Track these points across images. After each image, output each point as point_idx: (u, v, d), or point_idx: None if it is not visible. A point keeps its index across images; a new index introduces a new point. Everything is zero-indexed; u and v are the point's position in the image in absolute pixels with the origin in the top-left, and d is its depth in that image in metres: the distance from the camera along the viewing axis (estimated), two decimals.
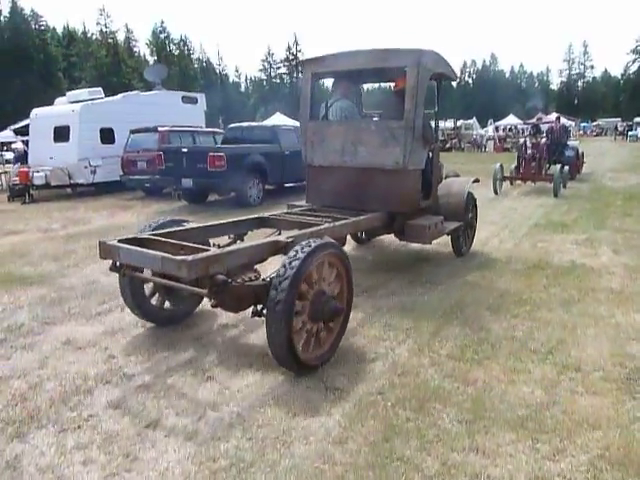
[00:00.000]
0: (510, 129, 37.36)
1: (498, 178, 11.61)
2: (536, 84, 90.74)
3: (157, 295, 4.00)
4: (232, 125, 12.64)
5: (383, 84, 6.52)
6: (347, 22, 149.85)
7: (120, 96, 14.30)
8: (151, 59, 70.07)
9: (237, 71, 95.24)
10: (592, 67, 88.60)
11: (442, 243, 6.16)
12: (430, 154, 5.39)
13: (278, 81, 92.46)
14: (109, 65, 62.18)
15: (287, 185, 11.56)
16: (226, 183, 9.65)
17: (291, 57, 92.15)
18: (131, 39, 72.65)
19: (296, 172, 11.25)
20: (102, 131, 13.27)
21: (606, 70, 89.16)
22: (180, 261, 2.98)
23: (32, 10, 56.24)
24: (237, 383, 3.15)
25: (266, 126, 11.54)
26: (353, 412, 2.79)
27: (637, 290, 4.68)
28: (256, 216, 4.80)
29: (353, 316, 3.79)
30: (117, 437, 2.61)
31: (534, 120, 23.18)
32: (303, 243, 3.20)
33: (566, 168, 11.97)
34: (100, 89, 14.68)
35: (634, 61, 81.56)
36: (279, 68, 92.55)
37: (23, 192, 12.55)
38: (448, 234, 5.66)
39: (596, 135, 51.81)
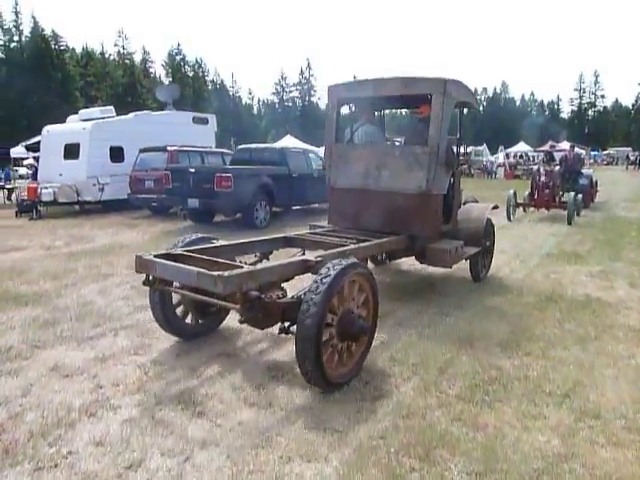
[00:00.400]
0: (521, 156, 37.27)
1: (512, 204, 11.58)
2: (546, 112, 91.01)
3: (184, 310, 4.07)
4: (241, 146, 12.64)
5: (405, 110, 6.67)
6: (360, 47, 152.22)
7: (131, 115, 14.40)
8: (166, 80, 71.27)
9: (250, 93, 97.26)
10: (603, 97, 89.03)
11: (449, 270, 5.96)
12: (452, 180, 5.48)
13: (290, 104, 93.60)
14: (125, 85, 63.28)
15: (295, 207, 11.43)
16: (232, 204, 9.55)
17: (304, 81, 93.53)
18: (147, 60, 74.13)
19: (304, 194, 11.22)
20: (112, 149, 13.30)
21: (617, 100, 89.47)
22: (216, 277, 3.06)
23: (53, 31, 57.55)
24: (230, 420, 2.94)
25: (275, 148, 11.49)
26: (353, 458, 2.57)
27: None
28: (282, 235, 4.98)
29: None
30: (95, 479, 2.41)
31: (547, 147, 23.08)
32: (334, 262, 3.29)
33: (580, 196, 11.97)
34: (112, 108, 14.80)
35: None
36: (291, 92, 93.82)
37: (31, 208, 12.55)
38: (466, 259, 5.68)
39: (607, 164, 51.60)
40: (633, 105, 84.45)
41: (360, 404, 3.11)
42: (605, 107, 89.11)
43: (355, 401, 3.15)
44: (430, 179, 4.91)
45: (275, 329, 3.47)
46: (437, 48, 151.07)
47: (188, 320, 4.13)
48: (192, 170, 9.73)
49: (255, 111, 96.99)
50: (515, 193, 11.96)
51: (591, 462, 2.53)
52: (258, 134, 79.97)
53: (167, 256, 3.68)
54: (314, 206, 12.54)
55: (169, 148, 11.70)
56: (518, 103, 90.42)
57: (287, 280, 3.69)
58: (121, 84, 63.01)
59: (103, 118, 13.94)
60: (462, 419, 2.93)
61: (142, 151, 12.34)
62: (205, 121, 15.87)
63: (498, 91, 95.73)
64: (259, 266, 3.63)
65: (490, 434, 2.78)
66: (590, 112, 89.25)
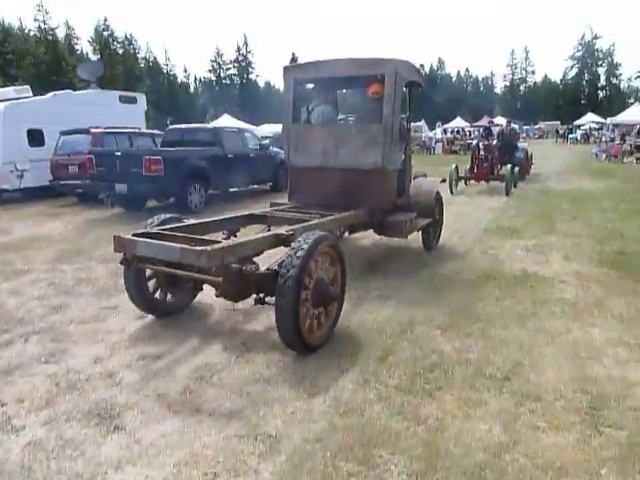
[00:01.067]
0: (458, 132, 38.09)
1: (454, 178, 12.14)
2: (481, 88, 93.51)
3: (156, 288, 4.16)
4: (172, 127, 11.96)
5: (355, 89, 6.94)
6: (298, 25, 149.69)
7: (49, 95, 13.24)
8: (94, 57, 67.17)
9: (185, 71, 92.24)
10: (533, 72, 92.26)
11: (392, 246, 5.83)
12: (403, 155, 5.80)
13: (228, 82, 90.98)
14: (49, 63, 59.03)
15: (232, 190, 10.99)
16: (164, 189, 9.02)
17: (241, 58, 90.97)
18: (72, 36, 69.48)
19: (241, 176, 10.79)
20: (30, 132, 12.21)
21: (546, 75, 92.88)
22: (200, 251, 3.25)
23: None
24: (151, 433, 2.65)
25: (208, 128, 10.93)
26: (286, 468, 2.35)
27: (590, 301, 4.48)
28: (247, 213, 5.18)
29: None
30: None
31: (482, 122, 23.76)
32: (306, 234, 3.52)
33: (516, 169, 12.65)
34: (28, 87, 13.61)
35: (572, 67, 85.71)
36: (229, 69, 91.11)
37: None
38: (419, 230, 6.04)
39: (538, 137, 53.72)
40: (561, 80, 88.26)
41: (295, 403, 2.89)
42: (535, 82, 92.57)
43: (290, 400, 2.93)
44: (385, 155, 5.17)
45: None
46: (374, 26, 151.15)
47: (162, 298, 4.22)
48: (118, 153, 9.06)
49: (192, 89, 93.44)
50: (457, 167, 12.53)
51: (533, 450, 2.44)
52: (196, 113, 77.16)
53: (144, 235, 3.79)
54: (253, 187, 12.15)
55: (92, 130, 10.86)
56: (454, 79, 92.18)
57: (258, 254, 3.87)
58: (44, 62, 58.71)
59: (18, 99, 12.77)
60: (402, 412, 2.78)
61: (63, 134, 11.41)
62: (133, 100, 14.92)
63: (435, 67, 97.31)
64: (238, 240, 3.85)
65: (431, 427, 2.65)
66: (522, 87, 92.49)
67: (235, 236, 4.61)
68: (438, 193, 6.52)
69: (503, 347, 3.58)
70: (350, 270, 4.09)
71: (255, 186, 12.14)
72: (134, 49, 78.01)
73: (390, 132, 5.16)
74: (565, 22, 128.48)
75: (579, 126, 47.93)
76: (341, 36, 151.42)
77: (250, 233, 4.49)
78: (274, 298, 3.35)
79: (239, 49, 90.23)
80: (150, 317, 4.23)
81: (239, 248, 3.58)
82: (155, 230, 3.94)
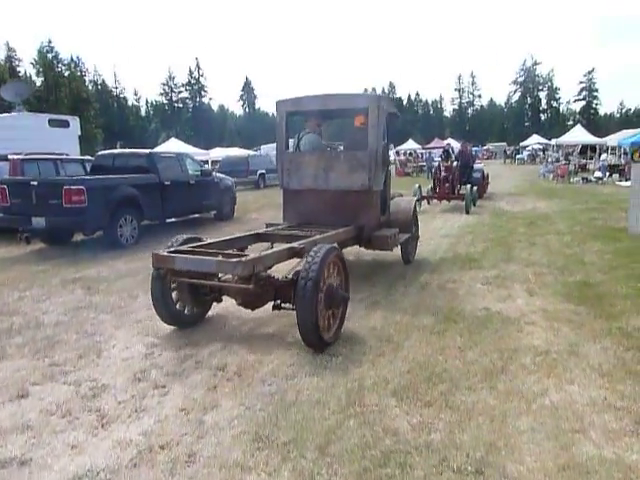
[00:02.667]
0: (410, 153, 38.42)
1: (417, 198, 12.17)
2: (431, 111, 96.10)
3: (179, 301, 4.52)
4: (101, 152, 10.96)
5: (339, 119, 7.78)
6: (248, 47, 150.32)
7: None
8: (38, 80, 64.59)
9: (136, 94, 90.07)
10: (480, 96, 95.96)
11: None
12: (384, 177, 6.32)
13: (181, 105, 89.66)
14: None
15: (170, 220, 10.07)
16: (88, 221, 8.03)
17: (193, 81, 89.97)
18: (13, 58, 66.69)
19: (180, 205, 9.94)
20: None
21: (492, 99, 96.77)
22: (236, 262, 3.81)
23: None
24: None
25: (141, 153, 9.95)
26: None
27: (564, 348, 3.91)
28: (253, 232, 5.64)
29: (223, 424, 2.59)
30: None
31: (435, 144, 24.25)
32: (317, 247, 4.03)
33: (475, 188, 13.43)
34: None
35: (515, 91, 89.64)
36: (181, 92, 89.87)
37: None
38: (400, 244, 6.56)
39: (487, 158, 55.14)
40: (506, 104, 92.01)
41: None
42: (482, 106, 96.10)
43: None
44: (371, 177, 5.77)
45: None
46: (326, 49, 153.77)
47: (182, 310, 4.56)
48: (34, 183, 8.03)
49: (143, 113, 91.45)
50: (420, 187, 13.32)
51: None
52: (147, 137, 75.31)
53: (176, 252, 4.25)
54: (194, 217, 11.25)
55: (11, 157, 9.75)
56: (405, 102, 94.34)
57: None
58: None
59: None
60: None
61: None
62: (65, 124, 13.81)
63: (386, 91, 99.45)
64: (263, 253, 4.31)
65: None
66: (469, 110, 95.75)
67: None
68: (414, 210, 7.19)
69: (471, 421, 2.91)
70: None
71: (196, 215, 11.24)
72: (80, 71, 75.75)
73: (375, 157, 5.77)
74: (508, 48, 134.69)
75: (525, 147, 49.58)
76: (294, 60, 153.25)
77: (256, 250, 4.75)
78: (289, 304, 4.03)
79: (191, 72, 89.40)
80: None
81: (265, 259, 4.14)
82: (185, 248, 4.39)
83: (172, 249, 4.33)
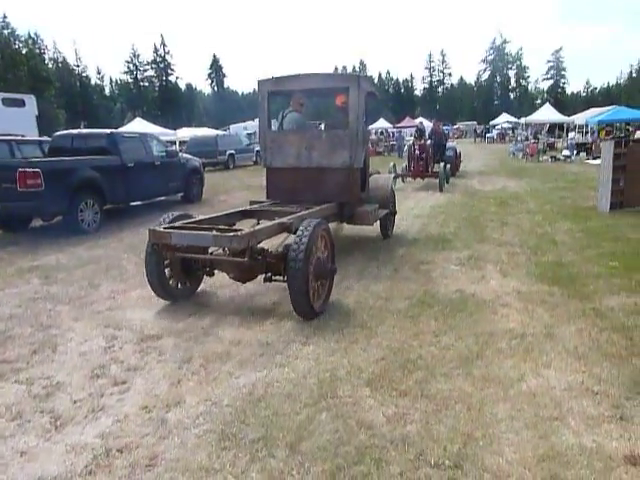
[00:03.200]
0: (382, 132, 38.22)
1: (393, 176, 12.71)
2: (402, 90, 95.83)
3: (171, 276, 4.67)
4: (59, 132, 10.38)
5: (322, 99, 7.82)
6: (213, 22, 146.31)
7: None
8: None
9: (99, 73, 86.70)
10: (450, 75, 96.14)
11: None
12: (364, 155, 6.46)
13: (147, 84, 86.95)
14: None
15: (134, 204, 9.67)
16: (46, 206, 7.61)
17: (159, 59, 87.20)
18: None
19: (144, 187, 9.54)
20: None
21: (462, 78, 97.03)
22: (232, 236, 3.98)
23: None
24: None
25: (102, 133, 9.39)
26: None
27: (539, 331, 3.85)
28: (240, 209, 5.74)
29: (187, 423, 2.40)
30: None
31: (416, 123, 24.40)
32: (306, 222, 4.23)
33: (448, 166, 13.75)
34: None
35: (485, 70, 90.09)
36: (146, 70, 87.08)
37: None
38: (380, 219, 6.89)
39: (458, 137, 55.47)
40: (475, 82, 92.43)
41: None
42: (452, 85, 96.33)
43: None
44: (352, 156, 5.92)
45: None
46: (295, 27, 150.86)
47: (175, 286, 4.74)
48: None
49: (108, 92, 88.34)
50: (394, 165, 13.60)
51: None
52: (112, 117, 72.72)
53: (170, 228, 4.36)
54: (160, 200, 10.85)
55: None
56: (376, 81, 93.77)
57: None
58: None
59: None
60: None
61: None
62: (20, 103, 13.09)
63: (357, 70, 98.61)
64: (256, 228, 4.50)
65: None
66: (440, 89, 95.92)
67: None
68: (392, 187, 7.47)
69: (448, 410, 2.81)
70: (263, 304, 3.15)
71: (162, 198, 10.85)
72: (39, 49, 72.43)
73: (355, 136, 5.91)
74: (478, 27, 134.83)
75: (494, 126, 49.97)
76: (264, 37, 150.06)
77: (243, 226, 4.69)
78: (279, 277, 4.26)
79: (156, 49, 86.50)
80: None
81: (257, 234, 4.26)
82: (179, 224, 4.51)
83: (166, 225, 4.46)
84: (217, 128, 36.86)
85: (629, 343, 3.57)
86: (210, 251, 4.67)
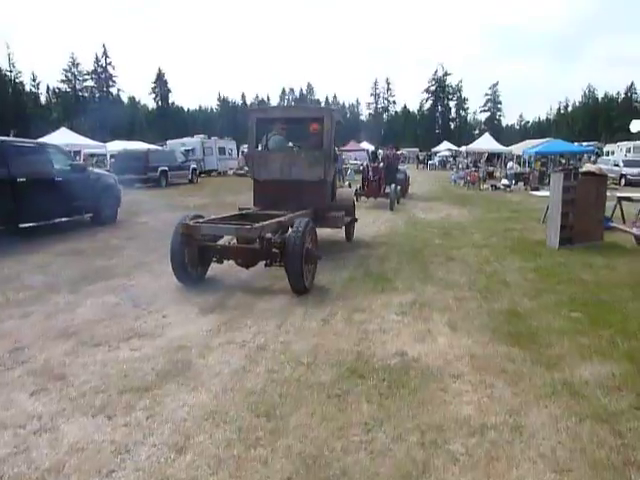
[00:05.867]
0: None
1: (354, 189, 13.78)
2: (348, 114, 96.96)
3: (190, 263, 5.65)
4: None
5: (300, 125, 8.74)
6: (159, 36, 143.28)
7: None
8: None
9: (34, 80, 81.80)
10: (394, 102, 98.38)
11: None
12: (333, 171, 7.96)
13: (86, 95, 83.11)
14: None
15: (25, 225, 8.13)
16: None
17: (100, 69, 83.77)
18: None
19: (40, 206, 8.07)
20: None
21: (405, 106, 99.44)
22: (250, 228, 5.32)
23: None
24: None
25: None
26: None
27: (502, 419, 2.90)
28: (238, 213, 6.81)
29: None
30: None
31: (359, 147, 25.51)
32: (299, 220, 5.58)
33: (399, 187, 14.78)
34: None
35: (427, 99, 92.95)
36: (86, 80, 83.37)
37: None
38: (345, 225, 8.15)
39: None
40: (418, 111, 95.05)
41: None
42: (396, 112, 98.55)
43: None
44: (325, 171, 7.24)
45: None
46: (244, 46, 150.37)
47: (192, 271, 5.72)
48: None
49: (43, 100, 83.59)
50: (350, 185, 15.35)
51: None
52: (47, 126, 68.18)
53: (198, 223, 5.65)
54: (60, 221, 9.29)
55: None
56: (323, 104, 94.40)
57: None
58: None
59: None
60: None
61: None
62: None
63: (304, 92, 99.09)
64: (266, 222, 5.69)
65: None
66: (384, 116, 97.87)
67: None
68: (354, 199, 9.32)
69: None
70: None
71: (64, 219, 9.33)
72: None
73: (328, 155, 7.30)
74: (421, 58, 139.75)
75: (436, 152, 50.96)
76: (212, 57, 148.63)
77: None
78: (276, 264, 5.44)
79: (97, 59, 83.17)
80: None
81: (266, 227, 5.53)
82: (201, 220, 5.77)
83: (193, 221, 5.59)
84: (154, 143, 35.04)
85: (619, 442, 2.68)
86: (221, 242, 5.97)
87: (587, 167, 9.94)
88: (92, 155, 30.05)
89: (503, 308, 4.96)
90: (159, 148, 26.89)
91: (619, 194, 10.22)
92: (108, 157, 25.48)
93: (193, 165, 25.09)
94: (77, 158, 25.51)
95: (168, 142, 32.01)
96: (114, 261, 7.05)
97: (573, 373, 3.50)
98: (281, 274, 5.47)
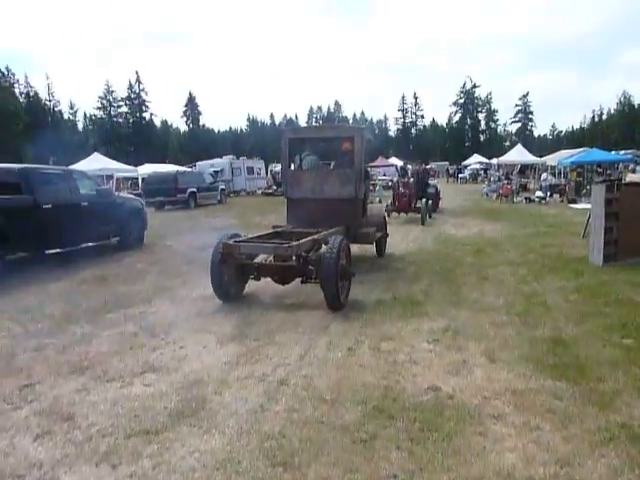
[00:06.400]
0: None
1: (385, 205, 13.97)
2: (376, 130, 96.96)
3: (228, 281, 5.82)
4: None
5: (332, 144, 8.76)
6: (190, 59, 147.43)
7: None
8: None
9: (72, 108, 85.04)
10: (422, 117, 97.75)
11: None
12: (365, 188, 8.01)
13: (120, 120, 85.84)
14: None
15: (51, 252, 8.14)
16: None
17: (133, 96, 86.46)
18: None
19: (65, 233, 8.08)
20: None
21: (434, 119, 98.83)
22: (288, 247, 5.47)
23: None
24: None
25: (9, 168, 7.91)
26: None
27: (553, 471, 2.53)
28: (272, 231, 6.99)
29: None
30: None
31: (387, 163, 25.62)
32: (333, 237, 5.66)
33: (430, 202, 14.90)
34: None
35: (456, 112, 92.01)
36: (120, 107, 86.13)
37: None
38: (375, 241, 8.26)
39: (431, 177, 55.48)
40: (447, 124, 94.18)
41: None
42: (425, 126, 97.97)
43: None
44: (357, 189, 7.37)
45: None
46: (273, 67, 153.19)
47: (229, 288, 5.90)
48: None
49: (81, 127, 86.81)
50: (380, 200, 15.71)
51: None
52: (85, 153, 70.44)
53: (237, 242, 5.80)
54: (87, 246, 9.31)
55: None
56: (351, 121, 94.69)
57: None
58: None
59: None
60: None
61: None
62: None
63: (332, 110, 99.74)
64: (301, 241, 5.75)
65: None
66: (413, 130, 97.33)
67: None
68: (385, 215, 9.53)
69: None
70: None
71: (91, 244, 9.35)
72: (8, 82, 70.85)
73: (360, 173, 7.38)
74: (449, 71, 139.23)
75: (466, 166, 50.10)
76: (241, 78, 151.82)
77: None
78: (311, 280, 5.59)
79: (131, 86, 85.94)
80: None
81: (302, 246, 5.64)
82: (240, 239, 5.93)
83: (231, 241, 5.72)
84: (182, 165, 35.63)
85: None
86: (258, 261, 6.14)
87: (631, 177, 9.35)
88: (126, 179, 30.75)
89: (545, 335, 4.54)
90: (188, 170, 27.23)
91: None
92: (140, 180, 25.91)
93: (222, 186, 25.27)
94: (110, 182, 26.22)
95: (197, 164, 32.49)
96: (137, 287, 6.93)
97: (632, 414, 3.09)
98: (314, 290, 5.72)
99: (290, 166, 7.88)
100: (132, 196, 11.05)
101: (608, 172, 26.54)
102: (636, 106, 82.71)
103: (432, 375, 3.75)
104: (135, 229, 10.30)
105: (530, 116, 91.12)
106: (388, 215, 14.17)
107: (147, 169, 27.71)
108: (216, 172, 28.49)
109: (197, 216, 18.10)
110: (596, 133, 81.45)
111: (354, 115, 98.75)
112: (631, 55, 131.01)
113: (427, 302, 5.77)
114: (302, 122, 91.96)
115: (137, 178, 28.04)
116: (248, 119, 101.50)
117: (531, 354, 4.09)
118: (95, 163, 23.92)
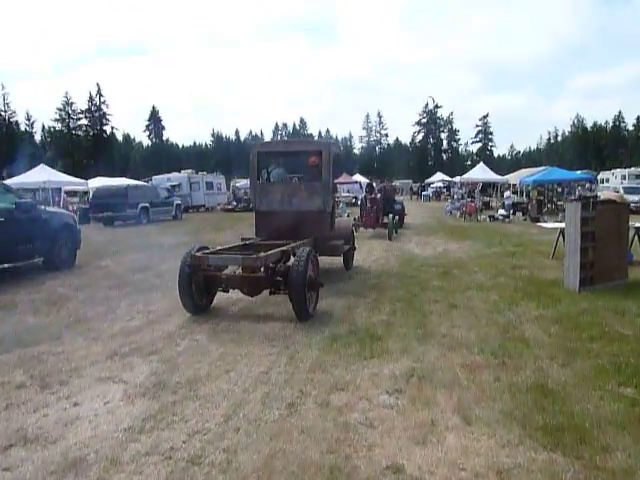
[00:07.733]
0: None
1: (352, 219, 14.26)
2: (342, 148, 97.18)
3: (197, 293, 5.81)
4: None
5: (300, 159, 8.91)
6: (153, 74, 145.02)
7: None
8: None
9: (29, 119, 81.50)
10: (387, 135, 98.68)
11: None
12: (332, 201, 8.24)
13: (80, 133, 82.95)
14: None
15: None
16: None
17: (94, 108, 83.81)
18: None
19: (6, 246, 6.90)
20: None
21: (397, 138, 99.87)
22: (256, 258, 5.53)
23: None
24: None
25: None
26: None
27: None
28: (241, 243, 6.98)
29: None
30: None
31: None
32: (302, 248, 5.74)
33: (396, 217, 15.16)
34: None
35: (419, 132, 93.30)
36: (80, 119, 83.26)
37: None
38: (343, 253, 8.43)
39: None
40: (410, 143, 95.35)
41: None
42: (389, 144, 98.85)
43: None
44: (325, 202, 7.60)
45: None
46: (235, 83, 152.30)
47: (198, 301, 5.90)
48: None
49: (38, 139, 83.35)
50: (348, 215, 15.81)
51: None
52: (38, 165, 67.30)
53: (205, 254, 5.82)
54: (3, 268, 8.09)
55: None
56: (316, 138, 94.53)
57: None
58: None
59: None
60: None
61: None
62: None
63: (297, 127, 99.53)
64: (270, 252, 5.76)
65: None
66: (377, 149, 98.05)
67: None
68: (352, 228, 9.56)
69: None
70: None
71: (6, 265, 8.14)
72: None
73: (328, 187, 7.59)
74: (412, 91, 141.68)
75: (430, 184, 50.30)
76: (205, 93, 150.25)
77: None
78: (281, 291, 5.57)
79: (92, 98, 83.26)
80: None
81: (271, 257, 5.63)
82: (207, 252, 5.92)
83: (199, 252, 5.79)
84: (144, 179, 34.12)
85: None
86: (225, 273, 5.96)
87: (605, 195, 8.87)
88: (75, 192, 29.10)
89: (529, 382, 3.75)
90: (140, 184, 25.83)
91: (634, 224, 9.13)
92: (90, 194, 24.39)
93: (177, 201, 24.02)
94: (57, 197, 24.57)
95: (154, 177, 31.11)
96: (49, 318, 5.84)
97: None
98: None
99: (259, 179, 7.89)
100: (63, 211, 9.89)
101: (570, 190, 26.80)
102: (589, 129, 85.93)
103: (393, 445, 2.88)
104: (64, 248, 9.11)
105: (490, 136, 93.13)
106: (356, 230, 13.89)
107: (98, 182, 26.17)
108: (173, 187, 27.24)
109: (147, 233, 16.87)
110: (552, 153, 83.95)
111: (319, 132, 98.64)
112: (583, 79, 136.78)
113: (388, 336, 4.94)
114: (267, 138, 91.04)
115: (87, 192, 26.45)
116: (213, 134, 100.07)
117: (515, 410, 3.29)
118: (40, 175, 22.31)
